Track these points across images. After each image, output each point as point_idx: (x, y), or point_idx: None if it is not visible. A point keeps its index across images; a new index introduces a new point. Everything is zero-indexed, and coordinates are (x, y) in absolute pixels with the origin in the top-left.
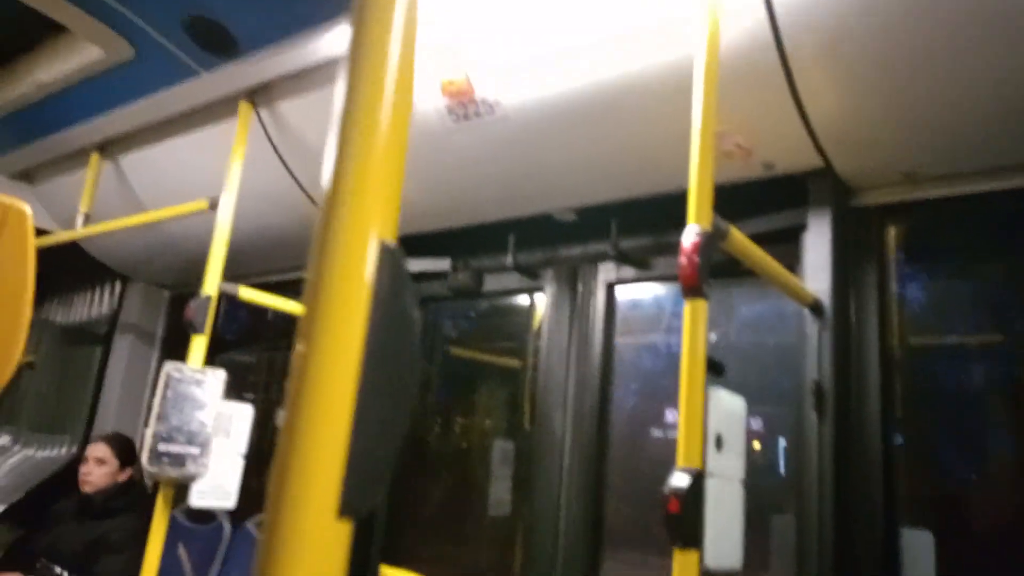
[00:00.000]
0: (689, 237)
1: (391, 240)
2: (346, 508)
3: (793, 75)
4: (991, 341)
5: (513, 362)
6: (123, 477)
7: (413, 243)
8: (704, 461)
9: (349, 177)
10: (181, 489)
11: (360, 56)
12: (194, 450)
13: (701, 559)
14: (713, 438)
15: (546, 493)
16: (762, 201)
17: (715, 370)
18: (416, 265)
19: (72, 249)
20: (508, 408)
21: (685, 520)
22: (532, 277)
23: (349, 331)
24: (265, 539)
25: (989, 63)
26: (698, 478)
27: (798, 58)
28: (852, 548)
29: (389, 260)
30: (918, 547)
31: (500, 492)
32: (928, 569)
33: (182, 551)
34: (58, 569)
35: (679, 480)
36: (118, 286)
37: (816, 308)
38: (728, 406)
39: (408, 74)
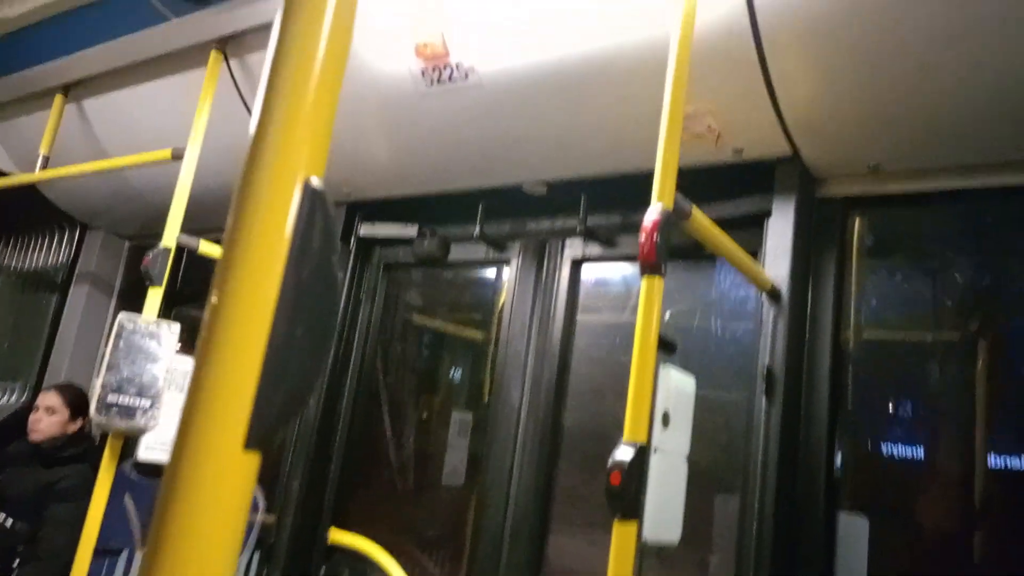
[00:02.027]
0: (651, 215)
1: (318, 180)
2: (252, 440)
3: (767, 61)
4: (945, 339)
5: (476, 334)
6: (73, 427)
7: (379, 207)
8: (650, 437)
9: (277, 113)
10: (131, 441)
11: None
12: (144, 402)
13: (639, 532)
14: (660, 414)
15: (499, 464)
16: (729, 185)
17: (667, 348)
18: (382, 230)
19: (31, 193)
20: (469, 379)
21: (626, 493)
22: (499, 249)
23: (267, 267)
24: (172, 466)
25: (957, 65)
26: (641, 453)
27: (773, 45)
28: (791, 530)
29: (314, 200)
30: (854, 532)
31: (455, 462)
32: (862, 553)
33: (129, 503)
34: (2, 515)
35: (622, 454)
36: (77, 233)
37: (774, 294)
38: (678, 384)
39: (347, 16)
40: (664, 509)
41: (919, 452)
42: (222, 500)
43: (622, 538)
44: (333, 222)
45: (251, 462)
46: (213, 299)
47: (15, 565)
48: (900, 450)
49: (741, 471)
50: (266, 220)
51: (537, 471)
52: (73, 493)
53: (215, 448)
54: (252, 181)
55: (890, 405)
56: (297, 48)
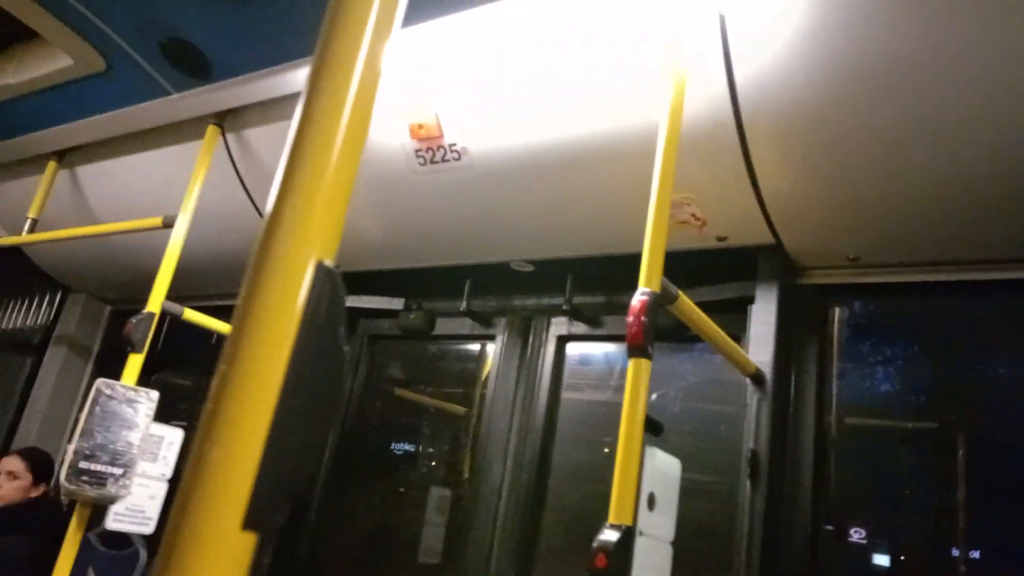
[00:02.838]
0: (638, 298)
1: (330, 261)
2: (251, 521)
3: (750, 152)
4: (922, 428)
5: (458, 408)
6: (36, 493)
7: (367, 280)
8: (635, 519)
9: (295, 197)
10: (98, 510)
11: (319, 83)
12: (117, 471)
13: None
14: (646, 497)
15: (479, 542)
16: (713, 270)
17: (654, 429)
18: (369, 302)
19: (14, 254)
20: (449, 455)
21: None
22: (485, 324)
23: (276, 348)
24: (167, 545)
25: (931, 164)
26: (627, 535)
27: (755, 136)
28: None
29: (326, 280)
30: None
31: (432, 540)
32: None
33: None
34: None
35: (608, 535)
36: (59, 296)
37: (758, 379)
38: (664, 466)
39: (365, 106)
40: None
41: (896, 537)
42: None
43: None
44: (343, 302)
45: (247, 543)
46: (222, 367)
47: None
48: (879, 534)
49: (725, 553)
50: (278, 297)
51: (518, 551)
52: (17, 563)
53: (212, 527)
54: (267, 258)
55: (871, 489)
56: (318, 132)
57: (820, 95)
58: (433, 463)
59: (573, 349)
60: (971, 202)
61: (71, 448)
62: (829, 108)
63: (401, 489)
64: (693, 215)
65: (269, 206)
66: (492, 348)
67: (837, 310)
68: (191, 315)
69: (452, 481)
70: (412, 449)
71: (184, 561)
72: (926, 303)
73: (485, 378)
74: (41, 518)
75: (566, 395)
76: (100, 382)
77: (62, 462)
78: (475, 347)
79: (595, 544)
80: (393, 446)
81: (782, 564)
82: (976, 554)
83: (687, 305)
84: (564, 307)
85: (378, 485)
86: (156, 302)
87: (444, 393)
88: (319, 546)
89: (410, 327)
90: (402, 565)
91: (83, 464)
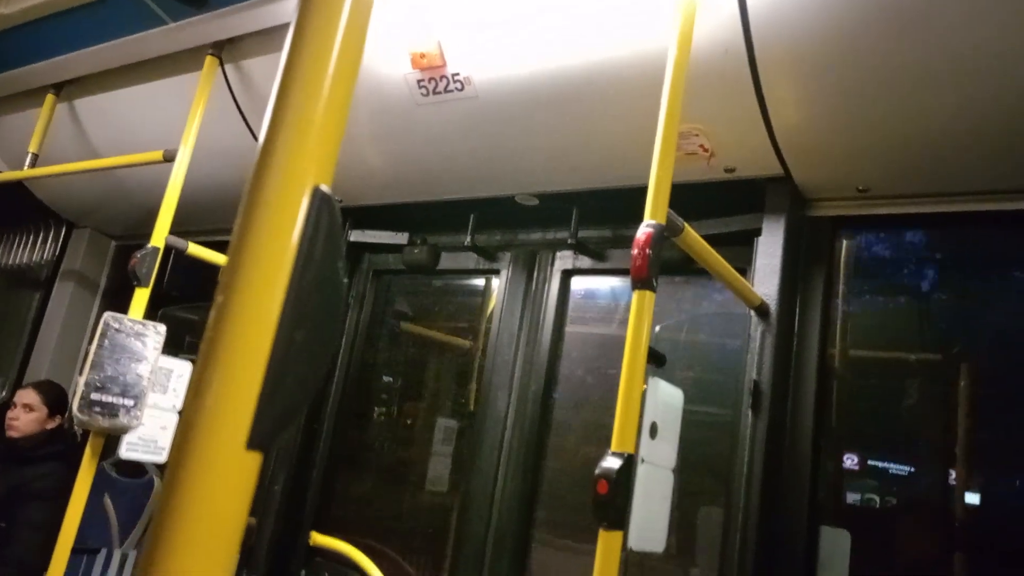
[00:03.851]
0: (643, 231)
1: (326, 187)
2: (255, 440)
3: (761, 83)
4: (926, 359)
5: (463, 342)
6: (51, 425)
7: (371, 215)
8: (637, 447)
9: (289, 121)
10: (112, 441)
11: (312, 5)
12: (128, 402)
13: (625, 540)
14: (648, 426)
15: (484, 471)
16: (720, 203)
17: (657, 361)
18: (373, 236)
19: (18, 190)
20: (455, 388)
21: (612, 502)
22: (489, 259)
23: (274, 271)
24: (174, 465)
25: (942, 97)
26: (628, 463)
27: (767, 68)
28: (775, 542)
29: (323, 205)
30: (836, 545)
31: (439, 469)
32: (843, 565)
33: (108, 503)
34: None
35: (610, 463)
36: (63, 231)
37: (762, 311)
38: (666, 396)
39: (359, 27)
40: (649, 519)
41: (899, 470)
42: (223, 499)
43: (607, 546)
44: (340, 229)
45: (253, 462)
46: (219, 299)
47: None
48: (881, 467)
49: (725, 484)
50: (274, 225)
51: (523, 480)
52: (48, 492)
53: (217, 447)
54: (261, 186)
55: (873, 422)
56: (310, 55)
57: (835, 22)
58: (439, 396)
59: (578, 283)
60: (984, 133)
61: (82, 380)
62: (844, 36)
63: (408, 421)
64: (701, 146)
65: (263, 132)
66: (497, 283)
67: (844, 242)
68: (195, 249)
69: (458, 413)
70: (419, 383)
71: (191, 480)
72: (934, 235)
73: (490, 312)
74: (61, 448)
75: (570, 329)
76: (107, 315)
77: (74, 394)
78: (480, 282)
79: (597, 471)
80: (400, 380)
81: (782, 494)
82: (976, 484)
83: (693, 237)
84: (569, 241)
85: (386, 418)
86: (160, 236)
87: (450, 327)
88: (330, 478)
89: (415, 262)
90: (411, 494)
91: (94, 396)
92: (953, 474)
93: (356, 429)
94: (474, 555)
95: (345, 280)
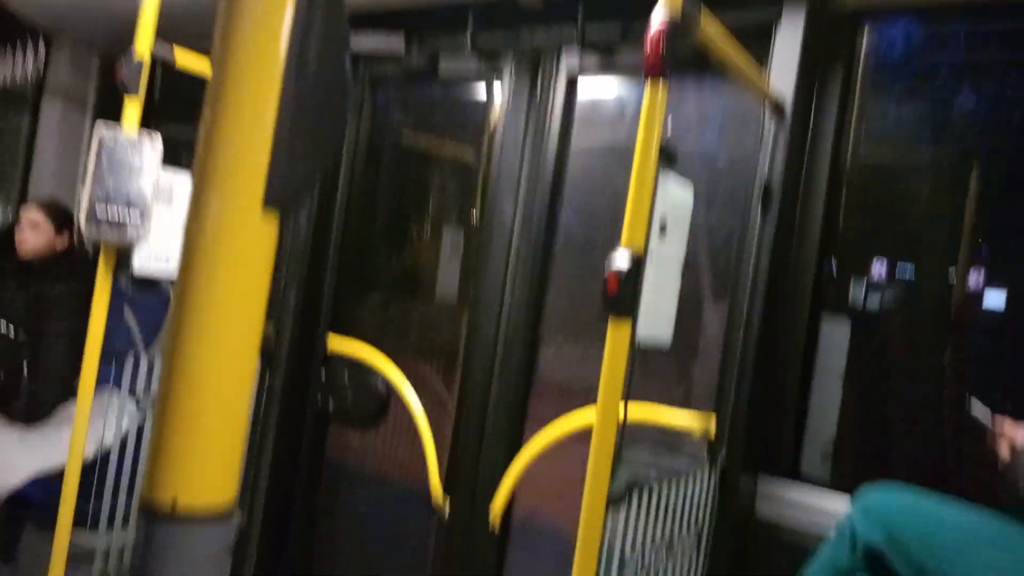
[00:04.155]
0: (658, 17)
1: None
2: (271, 197)
3: None
4: (942, 162)
5: (467, 153)
6: (61, 243)
7: (364, 18)
8: (647, 244)
9: None
10: (125, 258)
11: None
12: (133, 215)
13: (633, 332)
14: (658, 223)
15: (493, 278)
16: None
17: (668, 158)
18: (367, 42)
19: None
20: (460, 200)
21: (622, 297)
22: (491, 64)
23: (275, 26)
24: (191, 234)
25: None
26: (638, 259)
27: None
28: (776, 335)
29: None
30: (836, 334)
31: (447, 279)
32: (841, 352)
33: (129, 317)
34: (4, 327)
35: (620, 260)
36: (44, 49)
37: (776, 109)
38: (676, 193)
39: None
40: (658, 313)
41: (905, 269)
42: (244, 264)
43: (617, 338)
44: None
45: (270, 222)
46: (217, 53)
47: (24, 376)
48: (886, 266)
49: (730, 281)
50: None
51: (530, 285)
52: (68, 307)
53: (233, 208)
54: None
55: (882, 225)
56: None
57: None
58: (445, 209)
59: (585, 87)
60: None
61: (85, 195)
62: None
63: (415, 235)
64: None
65: None
66: (499, 90)
67: (866, 37)
68: (183, 58)
69: (465, 224)
70: (423, 196)
71: (210, 239)
72: (961, 28)
73: (493, 122)
74: (75, 265)
75: (576, 136)
76: (100, 128)
77: (79, 210)
78: (482, 90)
79: (607, 268)
80: (403, 195)
81: (786, 292)
82: (977, 282)
83: (708, 29)
84: (576, 39)
85: (392, 233)
86: (145, 43)
87: (453, 140)
88: (341, 284)
89: (412, 68)
90: (420, 305)
91: (99, 210)
92: (964, 276)
93: (362, 245)
94: (485, 358)
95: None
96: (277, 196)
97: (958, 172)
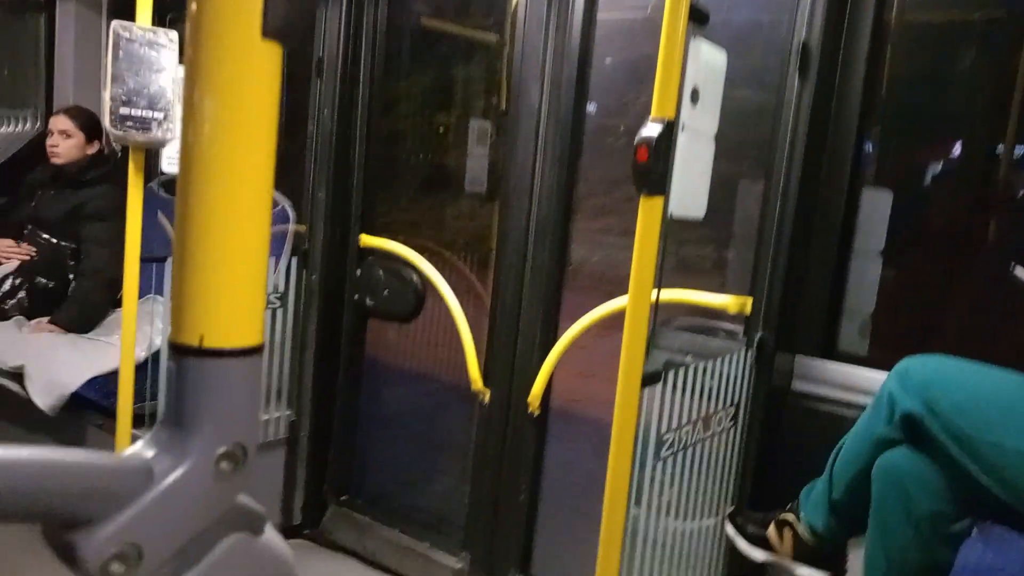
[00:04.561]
0: None
1: None
2: (269, 28)
3: None
4: (995, 22)
5: (489, 37)
6: (92, 150)
7: None
8: (678, 113)
9: None
10: (153, 160)
11: None
12: (158, 114)
13: (666, 206)
14: (689, 91)
15: (522, 166)
16: None
17: (699, 19)
18: None
19: None
20: (485, 87)
21: (653, 169)
22: None
23: None
24: (190, 62)
25: None
26: (668, 129)
27: None
28: (814, 206)
29: None
30: (876, 205)
31: (476, 170)
32: (882, 226)
33: (163, 219)
34: (44, 236)
35: (650, 130)
36: None
37: None
38: (709, 59)
39: None
40: (690, 186)
41: (950, 138)
42: (248, 95)
43: (648, 213)
44: None
45: (272, 52)
46: None
47: (72, 283)
48: (931, 136)
49: (767, 150)
50: None
51: (560, 170)
52: (105, 212)
53: (231, 40)
54: None
55: (928, 91)
56: None
57: None
58: (470, 98)
59: None
60: None
61: (107, 96)
62: None
63: (440, 127)
64: None
65: None
66: None
67: None
68: None
69: (490, 112)
70: (446, 86)
71: (210, 74)
72: None
73: (515, 5)
74: (108, 170)
75: (602, 15)
76: (116, 24)
77: (103, 111)
78: None
79: (637, 139)
80: (425, 85)
81: (825, 160)
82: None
83: None
84: None
85: (416, 126)
86: None
87: (473, 22)
88: (370, 181)
89: None
90: (451, 196)
91: (123, 110)
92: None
93: (388, 140)
94: (517, 248)
95: None
96: (275, 27)
97: (1013, 34)
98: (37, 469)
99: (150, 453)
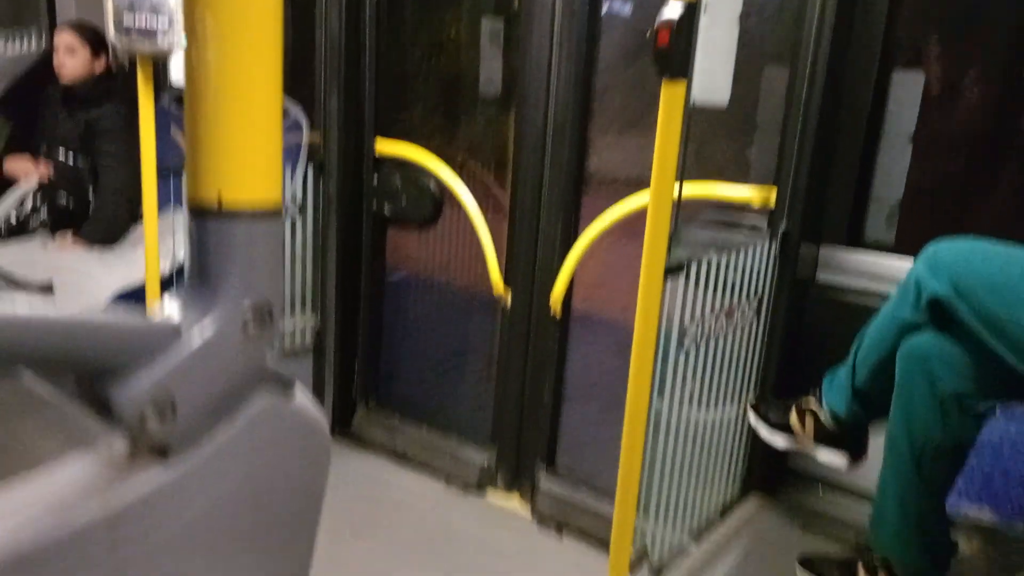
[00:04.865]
0: None
1: None
2: None
3: None
4: None
5: None
6: (99, 66)
7: None
8: None
9: None
10: (164, 75)
11: None
12: (162, 22)
13: (688, 91)
14: None
15: (537, 65)
16: None
17: None
18: None
19: None
20: None
21: (674, 52)
22: None
23: None
24: None
25: None
26: (691, 9)
27: None
28: (841, 93)
29: None
30: (907, 87)
31: (490, 72)
32: (912, 111)
33: (176, 134)
34: (61, 155)
35: (671, 11)
36: None
37: None
38: None
39: None
40: (714, 71)
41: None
42: None
43: (670, 98)
44: None
45: None
46: None
47: (92, 200)
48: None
49: (793, 30)
50: None
51: (576, 64)
52: (117, 127)
53: None
54: None
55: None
56: None
57: None
58: None
59: None
60: None
61: (109, 4)
62: None
63: (451, 28)
64: None
65: None
66: None
67: None
68: None
69: (503, 10)
70: None
71: None
72: None
73: None
74: (117, 86)
75: None
76: None
77: (107, 22)
78: None
79: (657, 21)
80: None
81: (853, 41)
82: None
83: None
84: None
85: (427, 27)
86: None
87: None
88: (382, 85)
89: None
90: (465, 100)
91: (126, 19)
92: None
93: (398, 43)
94: (534, 151)
95: None
96: None
97: None
98: (72, 324)
99: (177, 311)
